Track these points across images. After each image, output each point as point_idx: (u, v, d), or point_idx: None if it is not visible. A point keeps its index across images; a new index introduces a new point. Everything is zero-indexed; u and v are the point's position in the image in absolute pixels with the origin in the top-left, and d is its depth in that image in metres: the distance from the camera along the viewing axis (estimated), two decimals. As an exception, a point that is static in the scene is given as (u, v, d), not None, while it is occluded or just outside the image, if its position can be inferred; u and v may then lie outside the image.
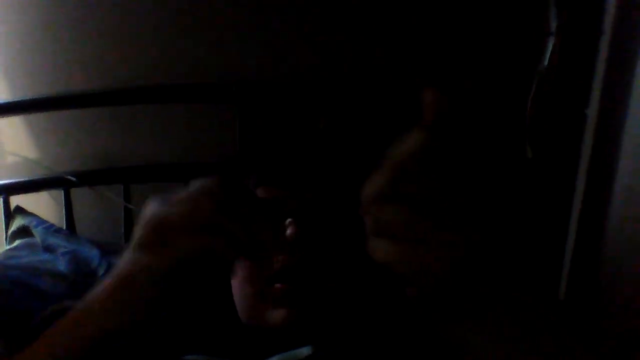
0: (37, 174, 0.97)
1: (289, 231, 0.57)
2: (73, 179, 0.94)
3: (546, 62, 0.78)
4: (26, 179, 0.97)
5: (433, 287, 0.33)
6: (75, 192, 0.97)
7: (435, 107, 0.33)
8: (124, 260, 0.45)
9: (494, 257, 0.32)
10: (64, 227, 0.96)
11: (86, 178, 0.96)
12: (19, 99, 0.94)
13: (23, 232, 0.92)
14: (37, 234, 0.89)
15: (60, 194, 0.96)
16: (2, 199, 0.95)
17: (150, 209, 0.45)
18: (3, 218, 0.96)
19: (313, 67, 0.94)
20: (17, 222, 0.93)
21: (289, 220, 0.58)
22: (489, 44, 0.89)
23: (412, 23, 0.93)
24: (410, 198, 0.31)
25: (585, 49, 0.76)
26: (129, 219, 0.97)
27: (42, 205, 1.00)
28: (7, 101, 0.94)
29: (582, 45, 0.76)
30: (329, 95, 0.93)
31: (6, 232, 0.95)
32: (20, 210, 0.96)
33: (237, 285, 0.62)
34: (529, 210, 0.83)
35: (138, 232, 0.45)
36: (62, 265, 0.81)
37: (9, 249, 0.88)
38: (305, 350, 0.53)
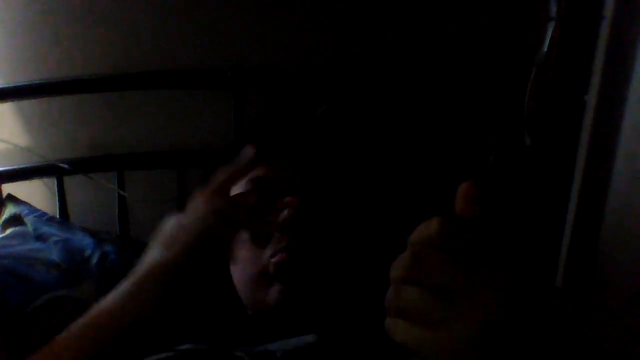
0: (29, 161, 0.96)
1: (286, 210, 0.57)
2: (66, 166, 0.93)
3: (546, 48, 0.77)
4: (18, 166, 0.95)
5: None
6: (68, 180, 0.96)
7: (467, 201, 0.35)
8: (141, 262, 0.55)
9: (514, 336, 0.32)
10: (57, 215, 0.95)
11: (79, 165, 0.94)
12: (10, 85, 0.93)
13: (15, 220, 0.91)
14: (29, 222, 0.88)
15: (53, 181, 0.95)
16: (-7, 187, 0.94)
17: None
18: (-6, 206, 0.95)
19: (311, 53, 0.93)
20: (9, 211, 0.92)
21: (287, 198, 0.58)
22: (488, 30, 0.89)
23: (412, 10, 0.91)
24: (429, 283, 0.32)
25: (585, 35, 0.75)
26: (123, 207, 0.96)
27: (35, 194, 0.99)
28: (-3, 87, 0.93)
29: (582, 31, 0.76)
30: (328, 82, 0.92)
31: (-2, 220, 0.94)
32: (12, 198, 0.95)
33: (237, 270, 0.62)
34: (526, 198, 0.82)
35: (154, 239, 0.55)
36: (54, 254, 0.80)
37: (1, 238, 0.87)
38: (309, 338, 0.53)
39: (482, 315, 0.31)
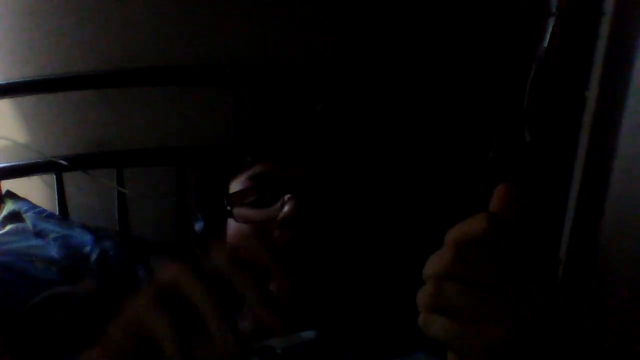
0: (28, 158, 0.96)
1: (287, 207, 0.56)
2: (65, 163, 0.93)
3: (546, 44, 0.76)
4: (17, 163, 0.95)
5: None
6: (67, 177, 0.95)
7: (506, 202, 0.36)
8: None
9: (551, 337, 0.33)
10: (57, 212, 0.95)
11: (78, 162, 0.94)
12: (9, 82, 0.92)
13: (14, 217, 0.91)
14: (28, 219, 0.88)
15: (52, 178, 0.95)
16: (-8, 184, 0.94)
17: None
18: (-6, 203, 0.95)
19: (310, 51, 0.93)
20: (8, 207, 0.92)
21: (287, 196, 0.57)
22: (488, 27, 0.88)
23: (412, 7, 0.91)
24: (472, 279, 0.33)
25: (585, 31, 0.75)
26: (122, 203, 0.96)
27: (34, 190, 0.99)
28: (-5, 84, 0.93)
29: (582, 27, 0.75)
30: (327, 79, 0.91)
31: (-3, 217, 0.93)
32: (11, 194, 0.95)
33: None
34: (526, 195, 0.82)
35: None
36: (53, 250, 0.80)
37: (0, 234, 0.87)
38: (309, 334, 0.53)
39: (522, 315, 0.33)
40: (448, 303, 0.34)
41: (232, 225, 0.63)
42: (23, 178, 0.97)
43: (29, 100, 0.97)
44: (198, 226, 0.73)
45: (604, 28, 0.73)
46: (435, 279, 0.34)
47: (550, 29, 0.76)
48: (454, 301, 0.33)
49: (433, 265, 0.35)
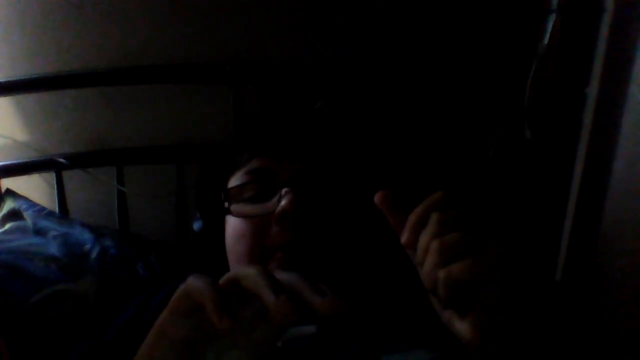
0: (27, 156, 0.96)
1: (284, 201, 0.56)
2: (64, 161, 0.93)
3: (546, 41, 0.76)
4: (16, 161, 0.95)
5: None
6: (67, 175, 0.95)
7: (434, 205, 0.42)
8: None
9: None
10: (56, 210, 0.95)
11: (78, 160, 0.94)
12: (8, 80, 0.92)
13: (14, 215, 0.91)
14: (28, 217, 0.88)
15: (52, 176, 0.95)
16: (-8, 182, 0.94)
17: None
18: (-7, 201, 0.95)
19: (310, 48, 0.93)
20: (8, 205, 0.92)
21: (285, 189, 0.57)
22: (489, 23, 0.88)
23: (412, 3, 0.91)
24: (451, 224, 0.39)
25: (585, 28, 0.75)
26: (122, 201, 0.96)
27: (34, 188, 0.99)
28: (-5, 82, 0.92)
29: (582, 24, 0.75)
30: (327, 76, 0.91)
31: (-3, 215, 0.93)
32: (10, 193, 0.95)
33: (233, 262, 0.62)
34: (526, 192, 0.82)
35: None
36: (53, 248, 0.80)
37: (0, 232, 0.87)
38: (310, 328, 0.53)
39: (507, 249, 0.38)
40: (447, 249, 0.39)
41: (230, 222, 0.63)
42: (23, 176, 0.96)
43: (28, 98, 0.96)
44: (196, 226, 0.73)
45: (605, 25, 0.73)
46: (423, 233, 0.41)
47: (550, 26, 0.76)
48: (451, 244, 0.39)
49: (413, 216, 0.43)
